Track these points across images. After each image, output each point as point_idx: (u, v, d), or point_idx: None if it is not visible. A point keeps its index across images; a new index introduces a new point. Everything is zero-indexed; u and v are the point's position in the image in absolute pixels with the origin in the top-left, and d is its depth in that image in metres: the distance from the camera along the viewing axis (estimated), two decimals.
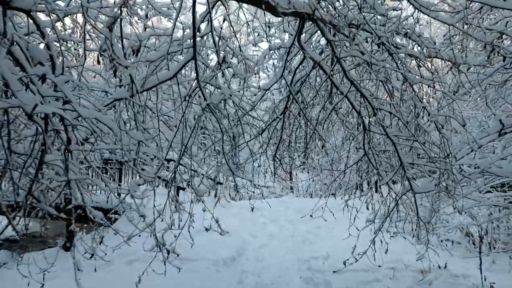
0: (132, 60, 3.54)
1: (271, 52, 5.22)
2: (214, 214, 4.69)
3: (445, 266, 6.55)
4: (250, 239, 9.03)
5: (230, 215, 10.57)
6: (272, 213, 11.38)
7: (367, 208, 6.13)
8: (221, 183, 13.15)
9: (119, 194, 11.48)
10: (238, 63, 3.52)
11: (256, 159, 5.31)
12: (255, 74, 4.07)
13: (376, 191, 5.91)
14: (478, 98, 8.01)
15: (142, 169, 4.03)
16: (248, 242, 8.82)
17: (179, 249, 4.47)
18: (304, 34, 5.23)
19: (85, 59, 3.48)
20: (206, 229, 4.22)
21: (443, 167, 4.22)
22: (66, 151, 3.18)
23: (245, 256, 7.81)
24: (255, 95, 4.46)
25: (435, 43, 4.37)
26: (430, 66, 4.49)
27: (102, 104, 3.95)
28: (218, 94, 3.28)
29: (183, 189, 9.94)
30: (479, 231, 7.88)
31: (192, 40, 3.92)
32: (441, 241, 8.06)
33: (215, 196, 13.81)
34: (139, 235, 4.27)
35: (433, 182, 4.93)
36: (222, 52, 3.31)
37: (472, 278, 6.29)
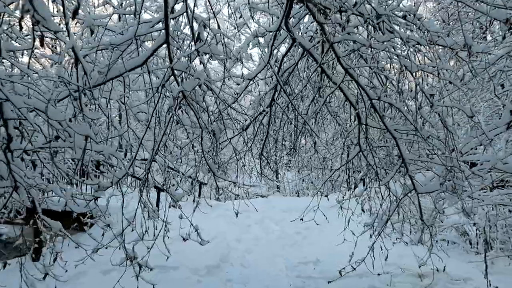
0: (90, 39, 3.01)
1: (255, 39, 4.75)
2: (195, 217, 4.27)
3: (444, 269, 6.20)
4: (235, 244, 8.55)
5: (213, 217, 10.07)
6: (257, 214, 10.92)
7: (362, 210, 5.73)
8: (205, 184, 12.60)
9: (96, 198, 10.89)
10: (217, 43, 3.02)
11: (241, 158, 4.82)
12: (237, 59, 3.58)
13: (366, 189, 5.52)
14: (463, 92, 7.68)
15: (101, 172, 3.53)
16: (233, 246, 8.33)
17: (156, 256, 4.00)
18: (292, 19, 4.78)
19: (34, 40, 2.93)
20: (184, 239, 3.72)
21: (449, 163, 3.82)
22: (7, 151, 2.64)
23: (230, 263, 7.33)
24: (238, 84, 3.97)
25: (444, 21, 3.96)
26: (431, 52, 4.08)
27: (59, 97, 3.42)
28: (192, 79, 2.77)
29: (164, 190, 9.38)
30: (476, 230, 7.58)
31: (164, 22, 3.43)
32: (436, 241, 7.72)
33: (198, 197, 13.29)
34: (106, 248, 3.76)
35: (435, 180, 4.55)
36: (196, 27, 2.80)
37: (473, 282, 5.96)
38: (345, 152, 5.31)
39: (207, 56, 2.89)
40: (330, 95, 4.56)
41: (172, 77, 3.64)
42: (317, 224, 4.99)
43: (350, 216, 4.95)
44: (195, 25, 3.34)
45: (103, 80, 3.64)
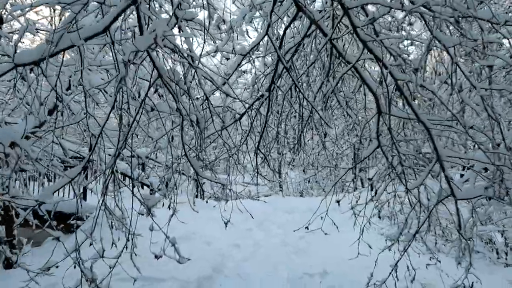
0: None
1: (252, 11, 3.98)
2: (186, 219, 3.62)
3: (472, 286, 5.38)
4: (231, 250, 7.78)
5: (209, 219, 9.30)
6: (258, 216, 10.16)
7: (379, 217, 4.96)
8: (199, 182, 11.78)
9: (84, 197, 10.11)
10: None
11: (233, 154, 4.05)
12: (223, 21, 2.79)
13: (373, 190, 4.72)
14: None
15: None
16: (229, 253, 7.57)
17: (141, 264, 3.28)
18: None
19: None
20: (156, 257, 2.95)
21: (497, 161, 3.03)
22: None
23: (224, 273, 6.57)
24: (227, 59, 3.17)
25: None
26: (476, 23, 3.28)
27: None
28: (147, 33, 1.98)
29: (151, 189, 8.53)
30: (504, 238, 6.77)
31: None
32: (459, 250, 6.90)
33: (197, 197, 12.35)
34: (57, 266, 3.00)
35: (472, 181, 3.76)
36: None
37: None
38: (361, 147, 4.51)
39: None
40: (343, 76, 3.77)
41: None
42: (326, 234, 4.20)
43: (364, 224, 4.17)
44: None
45: (51, 51, 2.88)
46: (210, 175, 3.34)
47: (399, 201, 4.06)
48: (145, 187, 9.71)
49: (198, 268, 6.51)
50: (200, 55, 2.59)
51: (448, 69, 3.67)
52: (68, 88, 5.80)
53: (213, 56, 3.43)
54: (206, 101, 3.29)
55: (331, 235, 6.79)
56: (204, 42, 2.48)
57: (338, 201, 3.67)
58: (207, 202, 4.25)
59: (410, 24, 4.75)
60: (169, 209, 3.05)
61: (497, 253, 7.07)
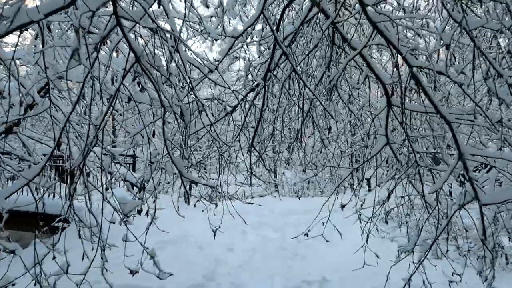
0: None
1: None
2: (178, 220, 3.30)
3: None
4: (225, 255, 7.34)
5: (202, 220, 8.87)
6: (253, 219, 9.75)
7: (386, 222, 4.55)
8: (183, 184, 11.32)
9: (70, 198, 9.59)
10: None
11: (225, 152, 3.62)
12: None
13: (371, 191, 4.31)
14: None
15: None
16: (223, 259, 7.13)
17: (126, 271, 2.87)
18: None
19: None
20: (131, 272, 2.51)
21: None
22: None
23: (217, 281, 6.13)
24: (216, 40, 2.73)
25: None
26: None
27: None
28: None
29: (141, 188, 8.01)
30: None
31: None
32: (464, 256, 6.50)
33: (188, 202, 11.75)
34: (13, 284, 2.56)
35: (489, 179, 3.38)
36: None
37: None
38: (362, 145, 4.10)
39: None
40: (348, 63, 3.35)
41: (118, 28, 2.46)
42: (327, 241, 3.79)
43: (370, 230, 3.76)
44: None
45: (6, 29, 2.43)
46: (197, 176, 2.91)
47: (411, 204, 3.67)
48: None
49: (188, 275, 6.07)
50: (181, 29, 2.15)
51: (467, 57, 3.27)
52: (47, 84, 5.31)
53: (205, 39, 2.98)
54: (192, 91, 2.84)
55: (331, 238, 6.37)
56: (186, 15, 2.04)
57: (342, 206, 3.25)
58: (194, 206, 3.81)
59: (418, 9, 4.36)
60: (147, 216, 2.61)
61: (506, 258, 6.67)
